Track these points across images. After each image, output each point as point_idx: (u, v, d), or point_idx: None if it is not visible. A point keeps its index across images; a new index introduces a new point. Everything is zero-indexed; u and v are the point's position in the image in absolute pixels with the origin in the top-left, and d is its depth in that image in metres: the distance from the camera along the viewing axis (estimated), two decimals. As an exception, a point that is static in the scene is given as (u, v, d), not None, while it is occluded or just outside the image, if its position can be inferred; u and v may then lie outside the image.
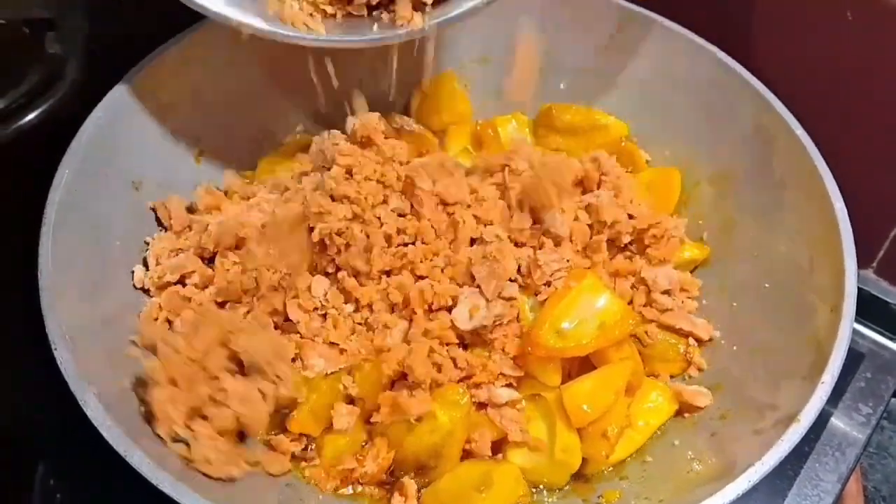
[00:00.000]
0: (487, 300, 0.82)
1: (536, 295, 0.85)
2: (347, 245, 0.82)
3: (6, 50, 1.20)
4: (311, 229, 0.83)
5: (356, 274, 0.84)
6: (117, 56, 1.15)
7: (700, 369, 0.87)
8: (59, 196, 0.81)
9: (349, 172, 0.85)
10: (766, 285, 0.88)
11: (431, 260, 0.85)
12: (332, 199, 0.83)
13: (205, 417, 0.72)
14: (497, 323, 0.83)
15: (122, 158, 0.90)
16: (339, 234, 0.81)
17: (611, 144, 1.05)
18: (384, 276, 0.85)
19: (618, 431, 0.80)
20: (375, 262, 0.83)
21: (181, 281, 0.88)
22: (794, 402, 0.72)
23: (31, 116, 1.14)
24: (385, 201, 0.87)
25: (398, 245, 0.86)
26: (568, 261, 0.86)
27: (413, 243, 0.86)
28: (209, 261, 0.89)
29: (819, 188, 0.85)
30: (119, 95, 0.91)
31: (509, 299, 0.83)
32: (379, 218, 0.85)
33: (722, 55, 0.99)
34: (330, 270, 0.85)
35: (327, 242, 0.82)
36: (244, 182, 1.01)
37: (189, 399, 0.71)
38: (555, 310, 0.82)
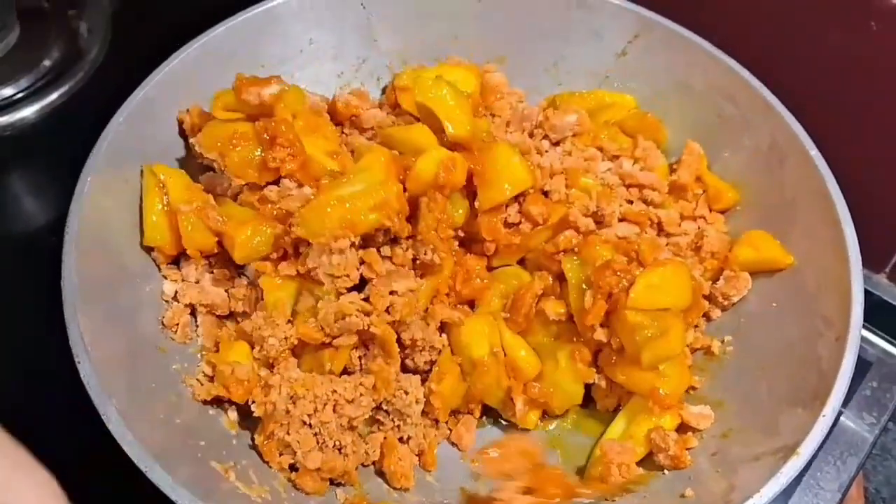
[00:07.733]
0: None
1: None
2: None
3: (27, 23, 1.21)
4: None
5: None
6: (140, 34, 1.16)
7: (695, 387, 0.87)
8: (82, 206, 0.82)
9: None
10: (774, 304, 0.88)
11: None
12: None
13: None
14: None
15: (143, 163, 0.90)
16: None
17: (628, 120, 1.05)
18: None
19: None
20: None
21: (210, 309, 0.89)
22: (794, 432, 0.73)
23: (53, 96, 1.15)
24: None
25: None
26: None
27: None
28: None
29: (830, 212, 0.84)
30: (139, 99, 0.91)
31: None
32: None
33: (739, 67, 0.98)
34: None
35: None
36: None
37: None
38: None
